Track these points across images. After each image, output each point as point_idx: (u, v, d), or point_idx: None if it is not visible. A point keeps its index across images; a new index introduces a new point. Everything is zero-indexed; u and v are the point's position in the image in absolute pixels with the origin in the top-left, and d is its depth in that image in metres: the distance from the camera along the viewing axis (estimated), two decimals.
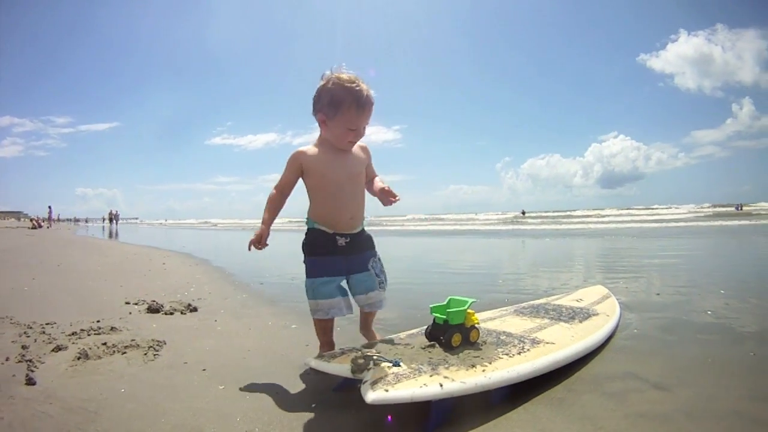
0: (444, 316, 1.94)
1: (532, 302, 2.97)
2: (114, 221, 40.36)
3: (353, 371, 1.63)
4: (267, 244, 2.07)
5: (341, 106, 2.04)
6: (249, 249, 2.06)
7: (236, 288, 4.67)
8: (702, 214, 32.08)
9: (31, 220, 31.87)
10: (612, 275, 5.10)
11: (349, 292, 2.20)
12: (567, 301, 2.97)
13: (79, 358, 2.24)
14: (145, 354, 2.35)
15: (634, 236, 12.91)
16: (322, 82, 2.09)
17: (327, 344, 2.20)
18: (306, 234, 2.20)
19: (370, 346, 1.95)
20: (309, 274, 2.14)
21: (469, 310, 1.96)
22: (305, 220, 2.22)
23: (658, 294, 3.80)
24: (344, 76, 2.06)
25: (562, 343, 2.07)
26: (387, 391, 1.43)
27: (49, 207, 33.82)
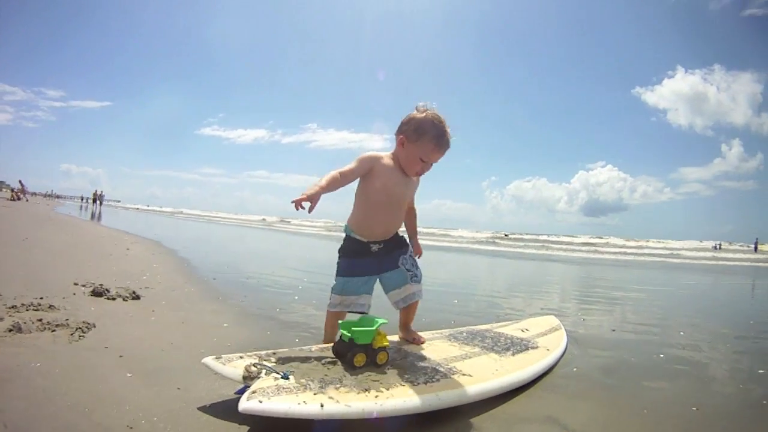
0: (350, 334, 1.86)
1: (474, 327, 2.89)
2: (98, 202, 38.38)
3: (244, 377, 1.61)
4: (314, 204, 1.93)
5: (424, 136, 2.22)
6: (296, 208, 1.91)
7: (188, 280, 4.65)
8: (687, 248, 32.12)
9: (12, 191, 31.37)
10: (572, 305, 5.04)
11: (383, 291, 2.38)
12: (512, 329, 2.89)
13: (11, 330, 2.31)
14: (72, 334, 2.38)
15: (610, 266, 12.91)
16: (416, 111, 2.28)
17: (331, 339, 2.29)
18: (344, 240, 2.36)
19: (272, 355, 1.88)
20: (341, 273, 2.30)
21: (380, 331, 1.88)
22: (344, 226, 2.39)
23: (613, 330, 3.66)
24: (438, 114, 2.25)
25: (480, 376, 1.96)
26: (261, 402, 1.39)
27: (20, 181, 32.56)
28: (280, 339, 2.67)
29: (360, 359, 1.83)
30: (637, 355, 2.92)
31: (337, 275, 2.30)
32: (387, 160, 2.29)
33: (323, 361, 1.83)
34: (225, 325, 2.97)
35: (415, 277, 2.37)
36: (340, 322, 1.99)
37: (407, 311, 2.41)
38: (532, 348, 2.52)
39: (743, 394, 2.29)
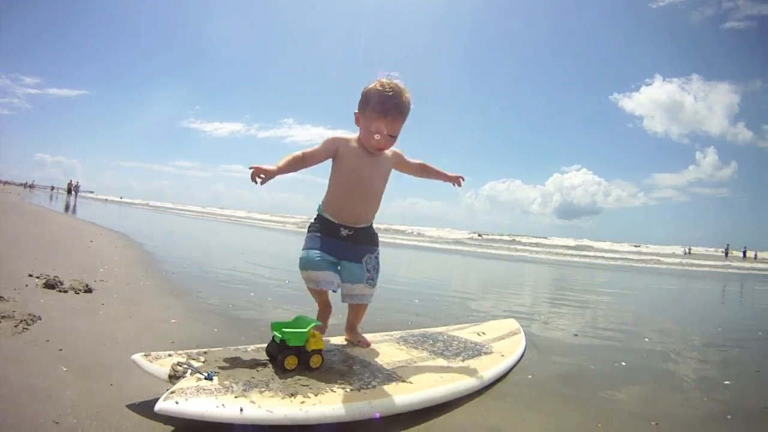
0: (281, 336, 1.79)
1: (428, 330, 2.81)
2: (73, 193, 36.03)
3: (170, 376, 1.57)
4: (265, 181, 1.95)
5: (367, 106, 2.16)
6: (252, 179, 1.92)
7: (146, 274, 4.56)
8: (662, 253, 32.67)
9: None
10: (537, 308, 5.00)
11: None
12: (467, 333, 2.81)
13: None
14: (15, 326, 2.33)
15: (581, 268, 12.97)
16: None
17: (325, 303, 2.40)
18: (314, 218, 2.35)
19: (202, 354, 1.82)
20: (305, 246, 2.26)
21: (314, 333, 1.80)
22: (317, 206, 2.37)
23: (576, 335, 3.59)
24: (384, 80, 2.16)
25: (422, 383, 1.88)
26: (177, 403, 1.34)
27: None
28: (226, 337, 2.62)
29: (291, 362, 1.76)
30: (597, 362, 2.81)
31: (301, 250, 2.26)
32: (354, 143, 2.26)
33: (254, 363, 1.76)
34: (173, 320, 2.91)
35: (371, 280, 2.31)
36: (272, 322, 1.88)
37: (354, 313, 2.37)
38: (485, 353, 2.45)
39: (707, 408, 2.17)
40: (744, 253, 36.61)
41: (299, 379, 1.66)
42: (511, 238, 43.83)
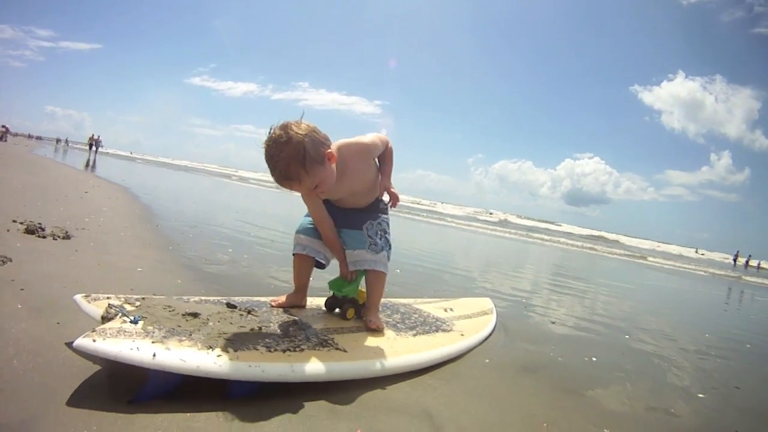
0: (341, 292, 2.16)
1: (393, 300, 2.71)
2: (95, 147, 33.94)
3: (102, 317, 1.57)
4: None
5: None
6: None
7: (130, 225, 4.56)
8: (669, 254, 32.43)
9: None
10: (523, 290, 4.90)
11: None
12: (434, 307, 2.72)
13: None
14: None
15: (584, 257, 12.85)
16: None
17: (299, 289, 2.23)
18: None
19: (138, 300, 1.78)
20: (306, 213, 2.21)
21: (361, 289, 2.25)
22: None
23: (553, 322, 3.47)
24: (267, 138, 1.75)
25: (356, 354, 1.80)
26: (95, 341, 1.33)
27: (3, 125, 31.05)
28: (187, 289, 2.60)
29: (351, 312, 2.16)
30: (567, 354, 2.67)
31: (303, 216, 2.22)
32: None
33: (186, 313, 1.68)
34: (139, 269, 2.92)
35: (375, 245, 2.15)
36: (329, 282, 2.16)
37: (369, 287, 2.22)
38: (444, 330, 2.34)
39: (670, 423, 1.96)
40: (747, 261, 36.11)
41: (224, 334, 1.59)
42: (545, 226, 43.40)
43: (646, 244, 42.33)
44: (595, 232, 46.50)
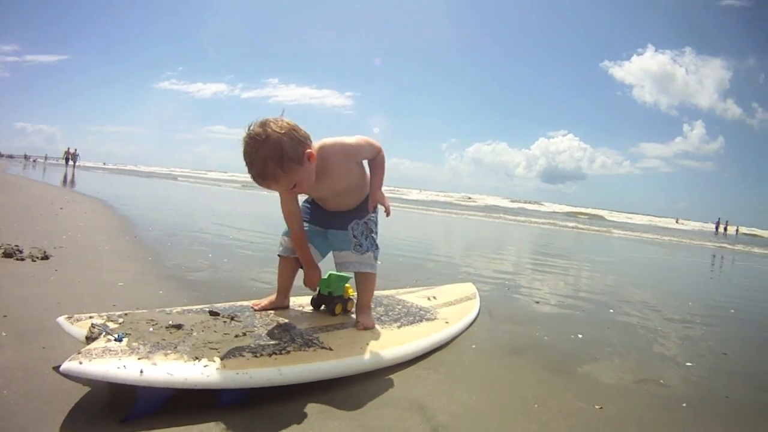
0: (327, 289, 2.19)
1: (378, 292, 2.64)
2: (72, 161, 33.09)
3: (87, 338, 1.56)
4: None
5: None
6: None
7: (108, 239, 4.49)
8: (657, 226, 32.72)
9: None
10: (505, 271, 4.95)
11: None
12: (416, 297, 2.72)
13: None
14: None
15: (562, 235, 13.04)
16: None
17: (282, 290, 2.20)
18: None
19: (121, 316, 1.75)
20: None
21: (348, 286, 2.26)
22: None
23: (537, 302, 3.49)
24: (245, 135, 1.71)
25: (343, 351, 1.78)
26: (81, 363, 1.32)
27: None
28: (169, 299, 2.59)
29: (339, 308, 2.19)
30: (553, 333, 2.69)
31: None
32: None
33: (169, 325, 1.66)
34: (120, 284, 2.89)
35: (359, 246, 2.12)
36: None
37: (360, 287, 2.19)
38: (428, 320, 2.35)
39: (662, 393, 1.98)
40: (725, 228, 36.96)
41: (209, 343, 1.59)
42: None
43: (624, 217, 42.92)
44: (574, 209, 47.01)
